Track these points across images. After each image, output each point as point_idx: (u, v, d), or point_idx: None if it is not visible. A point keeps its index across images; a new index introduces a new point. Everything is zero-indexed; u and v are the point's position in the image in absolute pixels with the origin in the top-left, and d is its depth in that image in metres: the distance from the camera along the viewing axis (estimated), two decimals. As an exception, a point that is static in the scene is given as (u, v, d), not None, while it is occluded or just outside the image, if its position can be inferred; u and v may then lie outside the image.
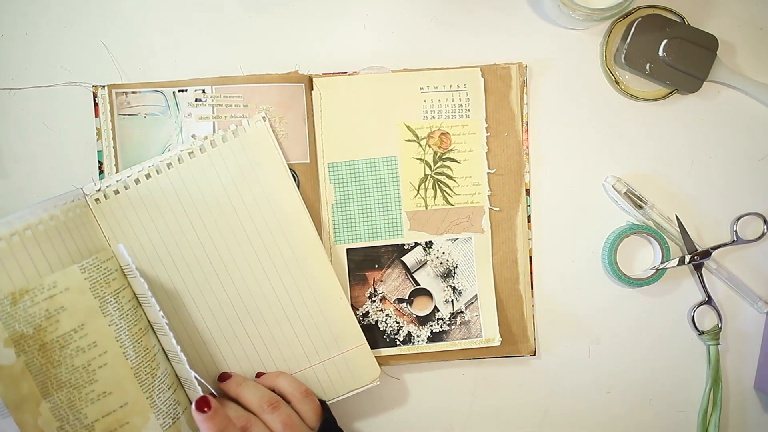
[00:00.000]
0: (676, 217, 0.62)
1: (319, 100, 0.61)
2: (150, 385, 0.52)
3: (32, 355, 0.48)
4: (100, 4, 0.61)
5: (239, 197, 0.58)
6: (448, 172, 0.62)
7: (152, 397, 0.52)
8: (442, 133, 0.62)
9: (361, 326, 0.60)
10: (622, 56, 0.61)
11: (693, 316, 0.63)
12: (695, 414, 0.64)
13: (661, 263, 0.62)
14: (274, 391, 0.56)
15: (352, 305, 0.61)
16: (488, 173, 0.62)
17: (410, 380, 0.63)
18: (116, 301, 0.52)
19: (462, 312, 0.61)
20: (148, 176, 0.58)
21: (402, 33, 0.62)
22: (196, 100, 0.60)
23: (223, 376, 0.57)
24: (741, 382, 0.64)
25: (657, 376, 0.64)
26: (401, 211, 0.61)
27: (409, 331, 0.61)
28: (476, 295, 0.62)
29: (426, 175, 0.62)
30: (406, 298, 0.62)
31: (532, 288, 0.63)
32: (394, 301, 0.61)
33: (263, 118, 0.59)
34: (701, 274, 0.63)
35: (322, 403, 0.57)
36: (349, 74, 0.61)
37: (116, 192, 0.58)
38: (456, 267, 0.62)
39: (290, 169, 0.60)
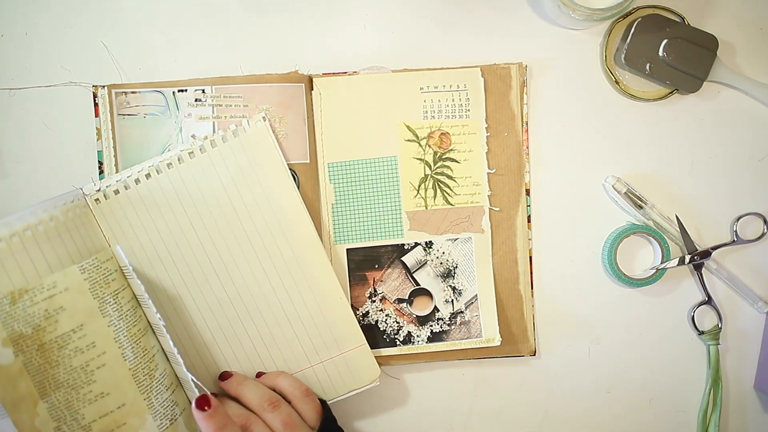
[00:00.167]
0: (676, 217, 0.62)
1: (319, 100, 0.61)
2: (148, 386, 0.52)
3: (30, 355, 0.48)
4: (100, 4, 0.61)
5: (239, 197, 0.58)
6: (448, 172, 0.62)
7: (150, 398, 0.52)
8: (442, 133, 0.62)
9: (361, 326, 0.60)
10: (622, 56, 0.61)
11: (693, 316, 0.63)
12: (695, 414, 0.64)
13: (661, 263, 0.62)
14: (274, 390, 0.56)
15: (352, 305, 0.61)
16: (488, 173, 0.62)
17: (410, 380, 0.63)
18: (115, 302, 0.52)
19: (462, 312, 0.61)
20: (148, 176, 0.58)
21: (402, 33, 0.62)
22: (195, 100, 0.60)
23: (224, 375, 0.57)
24: (741, 382, 0.64)
25: (657, 376, 0.64)
26: (401, 211, 0.61)
27: (409, 331, 0.61)
28: (476, 295, 0.62)
29: (426, 175, 0.62)
30: (406, 298, 0.62)
31: (532, 288, 0.63)
32: (394, 301, 0.61)
33: (263, 118, 0.59)
34: (701, 274, 0.63)
35: (323, 402, 0.57)
36: (349, 74, 0.61)
37: (116, 192, 0.58)
38: (456, 267, 0.62)
39: (290, 169, 0.60)
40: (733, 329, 0.64)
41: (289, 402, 0.55)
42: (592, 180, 0.63)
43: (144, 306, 0.54)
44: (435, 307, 0.61)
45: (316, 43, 0.62)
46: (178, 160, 0.58)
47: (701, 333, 0.63)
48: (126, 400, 0.51)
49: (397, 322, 0.61)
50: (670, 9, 0.62)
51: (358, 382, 0.59)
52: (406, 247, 0.62)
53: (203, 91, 0.60)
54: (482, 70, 0.61)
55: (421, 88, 0.61)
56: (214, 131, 0.60)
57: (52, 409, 0.49)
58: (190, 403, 0.55)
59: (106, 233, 0.57)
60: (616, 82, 0.62)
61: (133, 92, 0.60)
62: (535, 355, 0.63)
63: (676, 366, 0.64)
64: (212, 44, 0.62)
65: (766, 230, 0.62)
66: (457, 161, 0.62)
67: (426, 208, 0.62)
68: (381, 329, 0.61)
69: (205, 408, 0.48)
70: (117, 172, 0.59)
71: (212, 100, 0.60)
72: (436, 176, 0.62)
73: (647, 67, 0.61)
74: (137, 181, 0.58)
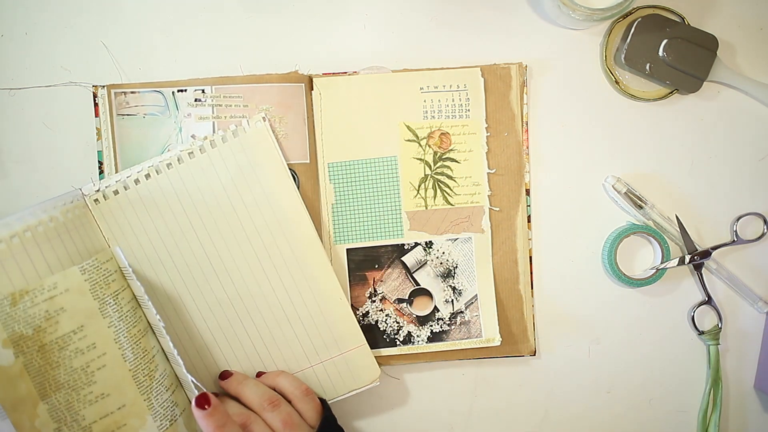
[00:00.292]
0: (676, 217, 0.62)
1: (319, 100, 0.61)
2: (148, 387, 0.52)
3: (31, 356, 0.48)
4: (100, 4, 0.61)
5: (239, 197, 0.58)
6: (448, 172, 0.62)
7: (150, 399, 0.52)
8: (442, 133, 0.62)
9: (361, 326, 0.60)
10: (622, 56, 0.61)
11: (693, 316, 0.63)
12: (695, 414, 0.64)
13: (661, 263, 0.62)
14: (275, 390, 0.56)
15: (352, 305, 0.61)
16: (488, 173, 0.62)
17: (410, 380, 0.63)
18: (115, 303, 0.52)
19: (462, 312, 0.61)
20: (147, 176, 0.58)
21: (402, 33, 0.62)
22: (195, 100, 0.60)
23: (224, 374, 0.57)
24: (741, 382, 0.64)
25: (657, 376, 0.64)
26: (401, 211, 0.61)
27: (409, 331, 0.61)
28: (476, 295, 0.62)
29: (426, 175, 0.61)
30: (406, 298, 0.62)
31: (532, 288, 0.63)
32: (394, 301, 0.61)
33: (263, 118, 0.59)
34: (701, 274, 0.63)
35: (323, 401, 0.57)
36: (349, 74, 0.61)
37: (116, 192, 0.57)
38: (456, 267, 0.62)
39: (290, 169, 0.60)
40: (733, 329, 0.64)
41: (289, 401, 0.55)
42: (592, 180, 0.63)
43: (144, 307, 0.54)
44: (435, 307, 0.61)
45: (316, 43, 0.62)
46: (178, 160, 0.58)
47: (701, 333, 0.63)
48: (126, 401, 0.51)
49: (397, 322, 0.61)
50: (670, 9, 0.62)
51: (358, 382, 0.59)
52: (406, 247, 0.62)
53: (203, 91, 0.60)
54: (482, 70, 0.61)
55: (421, 88, 0.61)
56: (213, 131, 0.60)
57: (53, 410, 0.49)
58: (190, 403, 0.55)
59: (106, 234, 0.57)
60: (616, 82, 0.62)
61: (132, 92, 0.60)
62: (535, 355, 0.63)
63: (676, 366, 0.64)
64: (212, 44, 0.62)
65: (766, 230, 0.62)
66: (457, 161, 0.62)
67: (426, 208, 0.62)
68: (381, 329, 0.61)
69: (205, 407, 0.48)
70: (117, 172, 0.59)
71: (212, 100, 0.60)
72: (436, 176, 0.62)
73: (647, 67, 0.61)
74: (137, 181, 0.58)
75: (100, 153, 0.60)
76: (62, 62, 0.61)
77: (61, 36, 0.61)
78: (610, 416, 0.64)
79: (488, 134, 0.62)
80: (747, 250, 0.64)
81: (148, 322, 0.55)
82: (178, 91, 0.60)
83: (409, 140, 0.61)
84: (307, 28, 0.62)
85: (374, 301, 0.61)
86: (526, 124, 0.62)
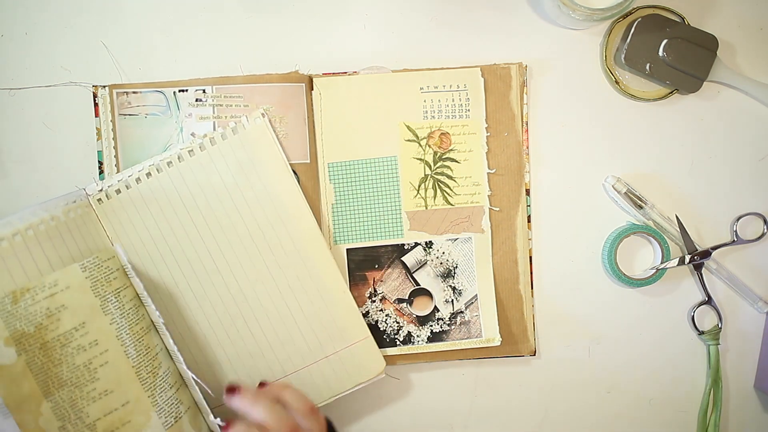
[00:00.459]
0: (676, 217, 0.62)
1: (319, 100, 0.61)
2: (152, 383, 0.52)
3: (33, 354, 0.48)
4: (100, 4, 0.61)
5: (240, 193, 0.58)
6: (448, 172, 0.62)
7: (154, 396, 0.52)
8: (442, 133, 0.62)
9: (361, 326, 0.60)
10: (622, 56, 0.61)
11: (693, 316, 0.63)
12: (695, 414, 0.64)
13: (661, 263, 0.62)
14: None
15: (352, 305, 0.61)
16: (488, 173, 0.62)
17: (410, 380, 0.63)
18: (117, 300, 0.52)
19: (462, 312, 0.61)
20: (148, 175, 0.58)
21: (402, 33, 0.62)
22: (196, 100, 0.60)
23: (231, 389, 0.52)
24: (741, 382, 0.64)
25: (657, 376, 0.64)
26: (401, 211, 0.61)
27: (409, 331, 0.61)
28: (476, 295, 0.62)
29: (426, 175, 0.62)
30: (406, 298, 0.62)
31: (532, 288, 0.63)
32: (394, 301, 0.61)
33: (262, 114, 0.59)
34: (701, 274, 0.63)
35: (326, 419, 0.55)
36: (349, 74, 0.61)
37: (118, 191, 0.58)
38: (456, 267, 0.62)
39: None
40: (733, 329, 0.64)
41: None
42: (592, 180, 0.63)
43: (144, 304, 0.55)
44: (435, 307, 0.61)
45: (316, 43, 0.62)
46: (179, 158, 0.58)
47: (701, 333, 0.63)
48: (130, 398, 0.51)
49: (397, 322, 0.61)
50: (670, 9, 0.62)
51: (364, 375, 0.59)
52: (406, 247, 0.62)
53: (204, 91, 0.60)
54: (482, 70, 0.61)
55: (421, 88, 0.61)
56: (214, 130, 0.60)
57: (56, 408, 0.49)
58: (194, 402, 0.55)
59: (109, 232, 0.57)
60: (616, 82, 0.62)
61: (134, 92, 0.60)
62: (535, 355, 0.63)
63: (676, 366, 0.64)
64: (212, 44, 0.62)
65: (766, 230, 0.62)
66: (457, 161, 0.62)
67: (426, 208, 0.62)
68: (381, 329, 0.61)
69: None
70: (118, 172, 0.59)
71: (213, 100, 0.60)
72: (436, 176, 0.62)
73: (647, 67, 0.61)
74: (138, 180, 0.58)
75: (100, 153, 0.60)
76: (62, 62, 0.61)
77: (61, 36, 0.61)
78: (610, 416, 0.64)
79: (488, 134, 0.62)
80: (747, 250, 0.64)
81: (151, 320, 0.55)
82: (180, 91, 0.60)
83: (409, 140, 0.61)
84: (307, 28, 0.62)
85: (374, 301, 0.61)
86: (526, 124, 0.62)
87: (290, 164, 0.60)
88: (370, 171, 0.61)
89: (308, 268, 0.59)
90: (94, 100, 0.60)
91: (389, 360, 0.61)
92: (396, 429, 0.63)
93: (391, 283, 0.61)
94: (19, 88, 0.61)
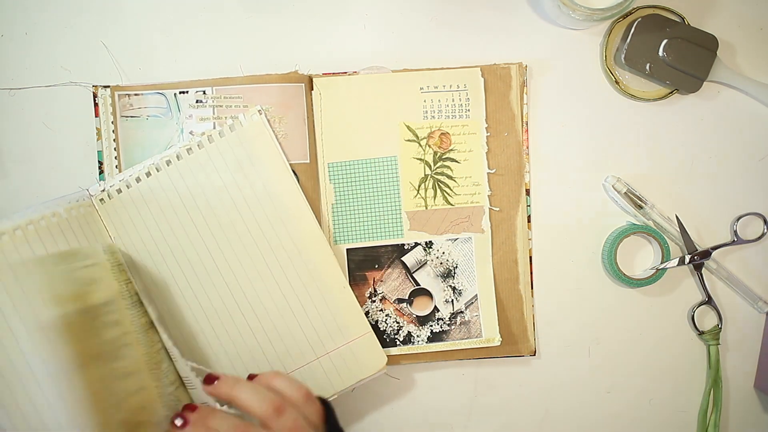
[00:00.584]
0: (676, 217, 0.62)
1: (319, 100, 0.61)
2: (157, 376, 0.52)
3: (73, 319, 0.46)
4: (100, 4, 0.61)
5: (239, 191, 0.59)
6: (448, 172, 0.62)
7: (159, 389, 0.52)
8: (442, 133, 0.62)
9: (361, 326, 0.60)
10: (622, 56, 0.61)
11: (693, 316, 0.63)
12: (695, 414, 0.64)
13: (661, 263, 0.62)
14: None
15: (352, 305, 0.61)
16: (488, 173, 0.62)
17: (410, 380, 0.63)
18: (127, 290, 0.53)
19: (462, 312, 0.61)
20: (148, 174, 0.58)
21: (402, 33, 0.62)
22: (196, 101, 0.60)
23: (210, 378, 0.51)
24: (741, 382, 0.64)
25: (657, 375, 0.64)
26: (401, 211, 0.61)
27: (409, 331, 0.61)
28: (476, 295, 0.62)
29: (426, 175, 0.62)
30: (406, 298, 0.62)
31: (532, 288, 0.63)
32: (394, 301, 0.61)
33: (259, 111, 0.59)
34: (701, 274, 0.63)
35: (325, 402, 0.54)
36: (349, 74, 0.61)
37: (119, 191, 0.58)
38: (456, 267, 0.62)
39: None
40: (733, 329, 0.64)
41: None
42: (592, 180, 0.63)
43: (143, 300, 0.55)
44: (435, 307, 0.62)
45: (316, 43, 0.62)
46: (177, 157, 0.58)
47: (701, 333, 0.63)
48: (144, 384, 0.50)
49: (397, 322, 0.61)
50: (670, 9, 0.62)
51: (365, 371, 0.59)
52: (406, 247, 0.62)
53: (204, 92, 0.60)
54: (482, 70, 0.61)
55: (421, 88, 0.61)
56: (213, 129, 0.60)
57: (93, 379, 0.46)
58: (191, 401, 0.55)
59: (111, 232, 0.58)
60: (616, 82, 0.62)
61: (135, 94, 0.60)
62: (535, 355, 0.63)
63: (676, 366, 0.64)
64: (212, 44, 0.62)
65: (766, 230, 0.62)
66: (457, 161, 0.62)
67: (426, 208, 0.62)
68: (381, 329, 0.61)
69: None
70: (120, 173, 0.60)
71: (213, 101, 0.60)
72: (436, 176, 0.62)
73: (647, 67, 0.61)
74: (138, 179, 0.58)
75: (100, 153, 0.60)
76: (62, 62, 0.61)
77: (61, 36, 0.61)
78: (610, 416, 0.64)
79: (488, 134, 0.62)
80: (747, 250, 0.64)
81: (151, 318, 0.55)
82: (180, 92, 0.60)
83: (409, 140, 0.61)
84: (307, 28, 0.62)
85: (374, 301, 0.61)
86: (526, 124, 0.62)
87: (290, 164, 0.60)
88: (370, 171, 0.61)
89: (307, 264, 0.59)
90: (94, 101, 0.60)
91: (389, 360, 0.61)
92: (396, 429, 0.63)
93: (391, 283, 0.61)
94: (19, 88, 0.61)
